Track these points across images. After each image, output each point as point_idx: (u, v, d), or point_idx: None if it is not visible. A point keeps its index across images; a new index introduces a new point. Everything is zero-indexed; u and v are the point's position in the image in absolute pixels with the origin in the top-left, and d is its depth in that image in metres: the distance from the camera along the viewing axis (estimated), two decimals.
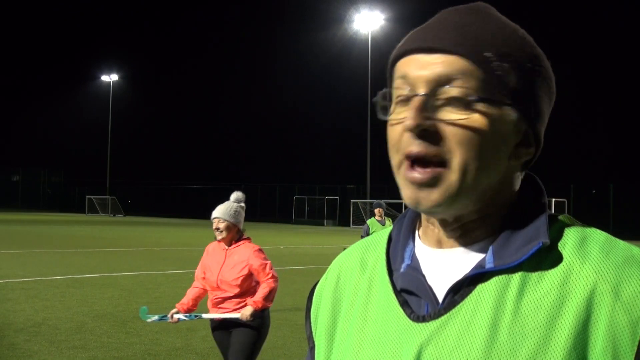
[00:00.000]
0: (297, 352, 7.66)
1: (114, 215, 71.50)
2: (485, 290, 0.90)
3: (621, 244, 0.91)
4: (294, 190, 61.41)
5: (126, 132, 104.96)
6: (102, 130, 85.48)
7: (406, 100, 0.92)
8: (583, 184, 46.49)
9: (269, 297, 5.01)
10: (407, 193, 0.92)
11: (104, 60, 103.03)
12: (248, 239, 5.19)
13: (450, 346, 0.89)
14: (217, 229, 5.09)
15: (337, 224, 54.54)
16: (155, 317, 5.00)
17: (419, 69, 0.91)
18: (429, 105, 0.89)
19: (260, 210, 64.15)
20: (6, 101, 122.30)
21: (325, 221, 54.99)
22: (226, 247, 5.13)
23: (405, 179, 0.91)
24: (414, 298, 0.95)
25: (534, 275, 0.89)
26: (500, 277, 0.90)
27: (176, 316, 5.01)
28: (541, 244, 0.89)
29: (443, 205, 0.90)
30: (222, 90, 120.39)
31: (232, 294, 5.02)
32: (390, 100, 0.96)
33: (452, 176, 0.89)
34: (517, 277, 0.89)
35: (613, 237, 0.93)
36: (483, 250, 0.94)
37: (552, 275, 0.88)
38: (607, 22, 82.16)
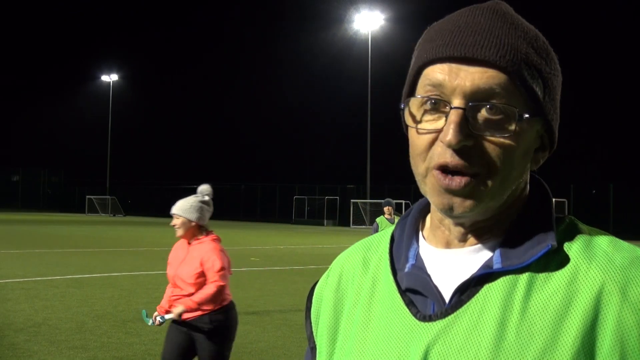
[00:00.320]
0: (297, 352, 7.66)
1: (114, 215, 71.50)
2: (492, 291, 0.90)
3: (626, 245, 0.92)
4: (294, 190, 61.41)
5: (126, 132, 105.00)
6: (102, 130, 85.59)
7: (435, 109, 0.91)
8: (583, 184, 46.52)
9: (206, 300, 4.70)
10: (440, 199, 0.90)
11: (104, 60, 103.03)
12: (212, 236, 4.91)
13: (458, 345, 0.88)
14: (174, 225, 4.85)
15: (337, 224, 54.54)
16: (150, 321, 4.91)
17: (457, 79, 0.89)
18: (468, 119, 0.88)
19: (260, 210, 64.18)
20: (6, 101, 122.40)
21: (325, 221, 55.00)
22: (189, 244, 4.90)
23: (440, 186, 0.90)
24: (420, 297, 0.95)
25: (541, 276, 0.89)
26: (507, 277, 0.90)
27: (158, 319, 4.82)
28: (550, 247, 0.90)
29: (475, 211, 0.90)
30: (222, 91, 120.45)
31: (186, 293, 4.77)
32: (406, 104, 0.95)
33: (487, 186, 0.89)
34: (524, 277, 0.89)
35: (617, 239, 0.93)
36: (490, 250, 0.94)
37: (559, 276, 0.89)
38: (606, 22, 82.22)
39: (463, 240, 0.95)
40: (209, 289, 4.70)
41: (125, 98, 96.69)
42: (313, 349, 1.08)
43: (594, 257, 0.89)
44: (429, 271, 0.96)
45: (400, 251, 1.01)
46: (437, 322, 0.91)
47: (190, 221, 4.81)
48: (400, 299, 0.96)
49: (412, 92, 0.95)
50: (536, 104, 0.91)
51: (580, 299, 0.86)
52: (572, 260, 0.90)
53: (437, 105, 0.90)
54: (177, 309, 4.70)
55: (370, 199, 50.50)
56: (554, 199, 1.01)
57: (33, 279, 13.69)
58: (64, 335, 8.25)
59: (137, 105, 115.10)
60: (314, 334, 1.08)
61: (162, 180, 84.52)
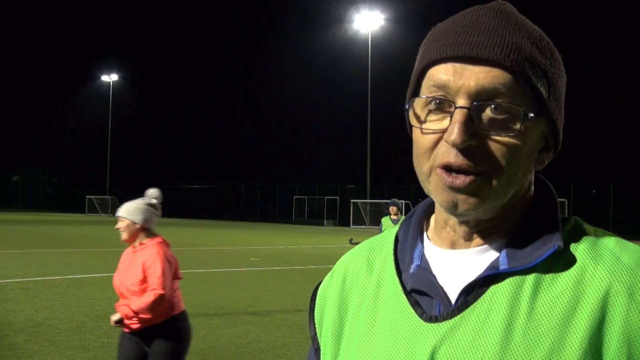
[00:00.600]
0: (297, 352, 7.66)
1: (114, 215, 71.45)
2: (499, 291, 0.90)
3: (632, 246, 0.92)
4: (294, 190, 61.39)
5: (126, 132, 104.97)
6: (102, 130, 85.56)
7: (439, 109, 0.91)
8: (583, 184, 46.51)
9: (144, 309, 4.36)
10: (444, 197, 0.90)
11: (104, 60, 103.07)
12: (158, 239, 4.62)
13: (465, 346, 0.88)
14: (119, 228, 4.61)
15: (337, 224, 54.52)
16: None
17: (461, 79, 0.89)
18: (473, 119, 0.88)
19: (260, 210, 64.17)
20: (6, 101, 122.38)
21: (325, 221, 54.98)
22: (135, 250, 4.62)
23: (443, 184, 0.90)
24: (425, 298, 0.95)
25: (548, 277, 0.89)
26: (514, 278, 0.90)
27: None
28: (556, 247, 0.89)
29: (478, 209, 0.90)
30: (222, 91, 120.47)
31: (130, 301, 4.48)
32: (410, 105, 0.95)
33: (491, 185, 0.89)
34: (530, 278, 0.89)
35: (623, 240, 0.93)
36: (495, 250, 0.94)
37: (565, 277, 0.89)
38: (607, 22, 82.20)
39: (468, 240, 0.95)
40: (147, 298, 4.37)
41: (125, 98, 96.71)
42: (317, 349, 1.08)
43: (601, 258, 0.89)
44: (434, 272, 0.96)
45: (405, 252, 1.01)
46: (443, 323, 0.91)
47: (134, 224, 4.58)
48: (406, 299, 0.96)
49: (416, 93, 0.95)
50: (541, 104, 0.91)
51: (587, 299, 0.86)
52: (578, 261, 0.90)
53: (442, 105, 0.90)
54: (114, 317, 4.47)
55: (370, 199, 50.50)
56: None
57: (33, 279, 13.69)
58: (64, 335, 8.25)
59: (137, 105, 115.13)
60: (318, 335, 1.08)
61: (162, 180, 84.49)
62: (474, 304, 0.90)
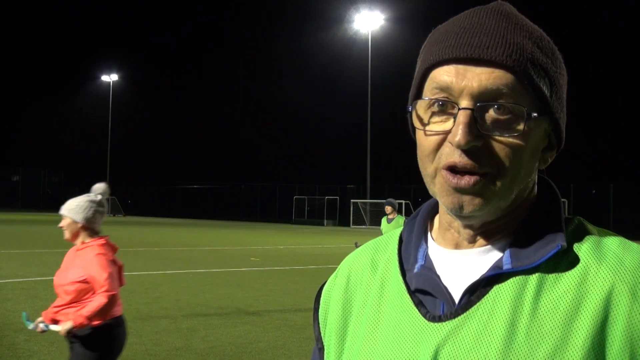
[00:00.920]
0: (297, 352, 7.66)
1: (114, 215, 71.48)
2: (502, 291, 0.90)
3: (635, 246, 0.92)
4: (294, 190, 61.41)
5: (126, 132, 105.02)
6: (102, 130, 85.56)
7: (442, 111, 0.91)
8: (583, 184, 46.51)
9: (96, 313, 4.10)
10: (449, 199, 0.90)
11: (104, 60, 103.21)
12: (101, 240, 4.36)
13: (468, 346, 0.88)
14: (61, 226, 4.36)
15: (337, 224, 54.53)
16: (32, 325, 4.34)
17: (464, 80, 0.89)
18: (477, 119, 0.88)
19: (260, 210, 64.17)
20: (6, 101, 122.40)
21: (325, 221, 54.99)
22: (78, 249, 4.36)
23: (448, 185, 0.90)
24: (429, 298, 0.95)
25: (551, 277, 0.89)
26: (517, 278, 0.90)
27: (41, 325, 4.27)
28: (560, 247, 0.90)
29: (484, 210, 0.90)
30: (222, 90, 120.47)
31: (65, 302, 4.22)
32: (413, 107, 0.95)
33: (496, 185, 0.89)
34: (534, 278, 0.90)
35: (627, 240, 0.94)
36: (499, 250, 0.94)
37: (569, 277, 0.89)
38: (607, 22, 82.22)
39: (472, 242, 0.96)
40: (99, 300, 4.11)
41: (125, 98, 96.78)
42: (321, 349, 1.08)
43: (604, 257, 0.89)
44: (438, 272, 0.96)
45: (409, 252, 1.02)
46: (446, 322, 0.91)
47: (75, 222, 4.32)
48: (410, 299, 0.97)
49: (418, 95, 0.95)
50: (543, 103, 0.91)
51: (591, 299, 0.86)
52: (582, 260, 0.90)
53: (445, 106, 0.90)
54: (66, 325, 4.10)
55: (370, 199, 50.50)
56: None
57: (33, 279, 13.69)
58: None
59: (137, 105, 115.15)
60: (322, 334, 1.08)
61: (162, 180, 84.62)
62: (478, 304, 0.90)
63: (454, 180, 0.89)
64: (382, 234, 1.21)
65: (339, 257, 17.93)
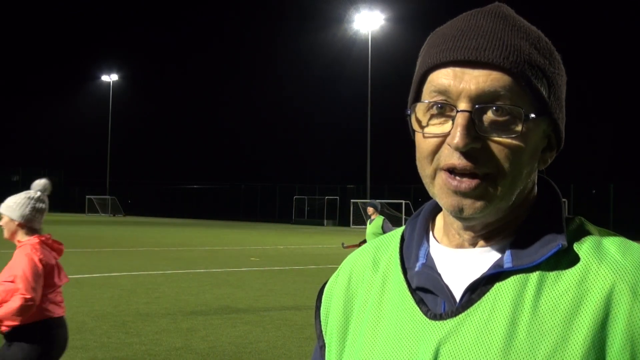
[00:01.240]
0: (297, 352, 7.66)
1: (114, 215, 71.50)
2: (503, 289, 0.91)
3: (636, 245, 0.93)
4: (294, 190, 61.41)
5: (126, 132, 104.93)
6: (102, 130, 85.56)
7: (441, 114, 0.92)
8: (583, 184, 46.52)
9: (9, 315, 3.92)
10: (450, 201, 0.91)
11: (104, 60, 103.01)
12: (36, 239, 4.20)
13: (469, 344, 0.89)
14: (1, 225, 4.19)
15: (337, 224, 54.54)
16: None
17: (462, 83, 0.90)
18: (475, 122, 0.89)
19: (260, 210, 64.18)
20: (6, 101, 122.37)
21: (325, 221, 55.00)
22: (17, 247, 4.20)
23: (448, 187, 0.90)
24: (430, 296, 0.96)
25: (552, 275, 0.90)
26: (518, 276, 0.91)
27: None
28: (560, 246, 0.90)
29: (485, 212, 0.91)
30: (222, 90, 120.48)
31: None
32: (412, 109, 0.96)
33: (496, 187, 0.90)
34: (535, 276, 0.90)
35: (627, 239, 0.94)
36: (500, 250, 0.95)
37: (569, 275, 0.89)
38: (607, 22, 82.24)
39: (474, 243, 0.97)
40: (13, 303, 3.93)
41: (125, 98, 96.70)
42: (322, 347, 1.09)
43: (605, 257, 0.90)
44: (440, 270, 0.97)
45: (411, 250, 1.02)
46: (447, 320, 0.92)
47: (12, 220, 4.16)
48: (411, 297, 0.97)
49: (417, 98, 0.96)
50: (541, 104, 0.92)
51: (591, 298, 0.87)
52: (582, 259, 0.91)
53: (444, 109, 0.91)
54: None
55: (370, 199, 50.46)
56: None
57: None
58: None
59: (137, 105, 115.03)
60: (324, 332, 1.09)
61: (162, 180, 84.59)
62: (479, 302, 0.91)
63: (454, 182, 0.90)
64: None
65: (339, 257, 17.93)
